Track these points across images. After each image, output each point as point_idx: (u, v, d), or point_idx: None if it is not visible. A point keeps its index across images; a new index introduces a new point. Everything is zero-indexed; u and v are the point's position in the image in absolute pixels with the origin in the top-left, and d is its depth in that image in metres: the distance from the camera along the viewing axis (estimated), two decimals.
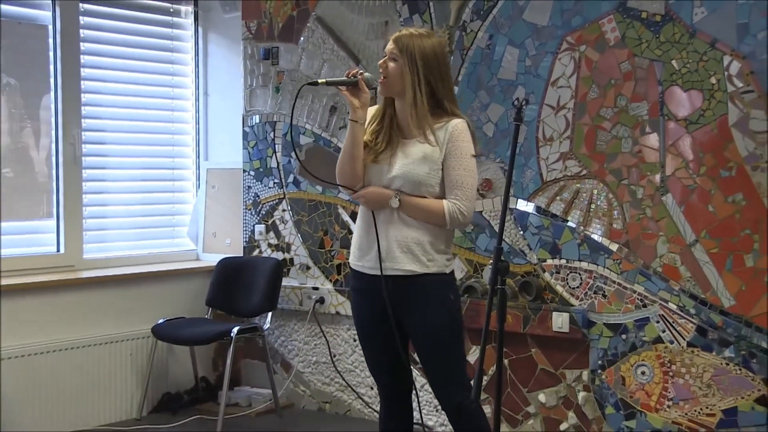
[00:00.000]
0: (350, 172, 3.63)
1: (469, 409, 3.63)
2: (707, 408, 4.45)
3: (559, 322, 4.83)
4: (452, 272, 3.70)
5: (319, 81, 3.67)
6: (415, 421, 3.88)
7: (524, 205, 4.95)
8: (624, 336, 4.68)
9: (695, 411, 4.49)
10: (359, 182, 3.64)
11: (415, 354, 3.78)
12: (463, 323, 3.75)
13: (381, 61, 3.61)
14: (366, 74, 3.59)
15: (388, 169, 3.60)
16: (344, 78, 3.61)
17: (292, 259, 5.91)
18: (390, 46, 3.59)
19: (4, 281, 5.13)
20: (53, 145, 5.56)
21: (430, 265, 3.57)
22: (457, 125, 3.57)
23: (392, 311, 3.58)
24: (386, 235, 3.58)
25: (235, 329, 5.41)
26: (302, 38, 5.80)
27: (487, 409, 5.06)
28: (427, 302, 3.58)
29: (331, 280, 5.73)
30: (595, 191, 4.75)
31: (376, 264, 3.58)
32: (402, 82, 3.55)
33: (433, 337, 3.60)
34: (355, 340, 5.60)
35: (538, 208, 4.92)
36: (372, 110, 3.73)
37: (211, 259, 6.12)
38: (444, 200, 3.57)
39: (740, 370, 4.36)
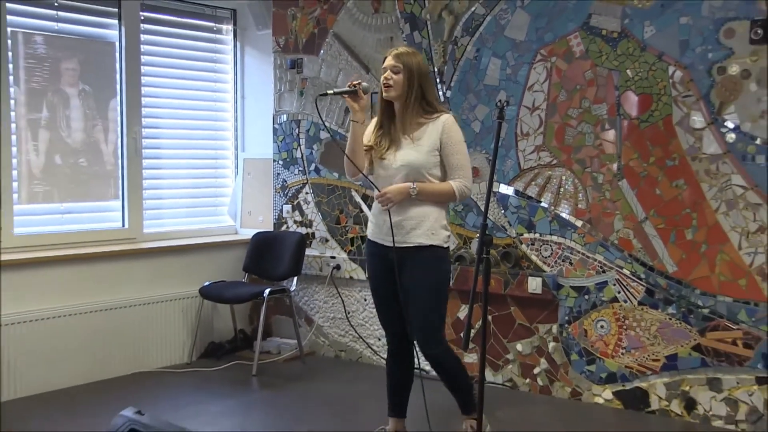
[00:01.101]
0: (357, 162, 3.74)
1: (446, 358, 3.77)
2: (653, 354, 4.49)
3: (534, 285, 4.86)
4: (448, 248, 3.77)
5: (328, 92, 3.77)
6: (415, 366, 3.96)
7: (505, 189, 4.96)
8: (587, 296, 4.71)
9: (644, 357, 4.52)
10: (361, 171, 3.74)
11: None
12: (447, 291, 3.82)
13: (386, 73, 3.66)
14: (363, 84, 3.69)
15: (393, 161, 3.68)
16: (346, 88, 3.71)
17: (313, 233, 5.93)
18: (392, 62, 3.66)
19: (81, 251, 5.18)
20: (119, 140, 5.55)
21: (433, 238, 3.66)
22: (448, 119, 3.69)
23: (398, 272, 3.66)
24: (402, 214, 3.66)
25: (267, 290, 5.43)
26: (322, 51, 5.80)
27: (474, 357, 5.10)
28: (424, 265, 3.65)
29: (345, 251, 5.75)
30: (564, 177, 4.76)
31: (389, 237, 3.67)
32: (402, 88, 3.65)
33: (424, 292, 3.65)
34: (366, 300, 5.64)
35: (516, 191, 4.93)
36: (373, 120, 3.86)
37: (247, 233, 6.12)
38: (450, 181, 3.67)
39: (680, 323, 4.40)
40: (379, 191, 3.66)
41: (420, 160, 3.65)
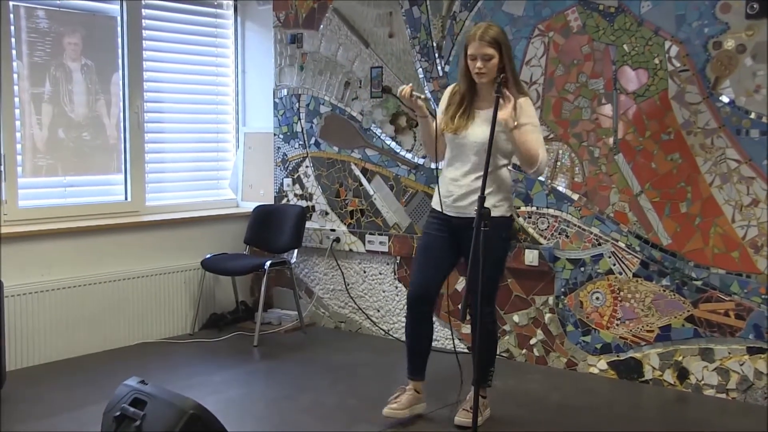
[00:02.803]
0: (431, 148, 3.89)
1: (492, 324, 3.90)
2: (647, 326, 4.52)
3: (531, 257, 4.88)
4: (511, 216, 3.83)
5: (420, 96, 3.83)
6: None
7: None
8: (582, 268, 4.73)
9: (638, 328, 4.55)
10: (442, 153, 3.86)
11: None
12: (506, 259, 3.91)
13: (479, 63, 3.64)
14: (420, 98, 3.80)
15: (466, 137, 3.74)
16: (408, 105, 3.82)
17: (313, 206, 5.93)
18: (482, 49, 3.63)
19: (84, 223, 5.20)
20: (121, 114, 5.55)
21: (495, 211, 3.67)
22: (525, 101, 3.69)
23: (459, 239, 3.76)
24: (466, 188, 3.72)
25: (268, 263, 5.45)
26: (322, 26, 5.78)
27: (470, 328, 5.16)
28: (486, 234, 3.51)
29: (345, 224, 5.75)
30: (561, 151, 4.77)
31: (456, 211, 3.77)
32: (494, 73, 3.66)
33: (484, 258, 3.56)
34: (365, 272, 5.66)
35: (514, 165, 4.89)
36: (448, 91, 3.91)
37: (248, 206, 6.13)
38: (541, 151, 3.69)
39: (674, 295, 4.42)
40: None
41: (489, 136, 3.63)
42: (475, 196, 3.64)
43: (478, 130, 3.73)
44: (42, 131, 5.16)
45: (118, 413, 3.05)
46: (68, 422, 3.96)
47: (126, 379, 3.22)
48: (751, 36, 4.12)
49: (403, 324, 5.42)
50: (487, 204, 3.59)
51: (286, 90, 6.06)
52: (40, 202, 5.16)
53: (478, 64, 3.66)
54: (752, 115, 4.14)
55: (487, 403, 4.02)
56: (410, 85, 3.78)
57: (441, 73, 5.18)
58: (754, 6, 4.10)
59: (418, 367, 3.99)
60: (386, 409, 3.91)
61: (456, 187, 3.80)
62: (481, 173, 3.61)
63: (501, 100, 3.53)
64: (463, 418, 3.87)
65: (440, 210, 3.88)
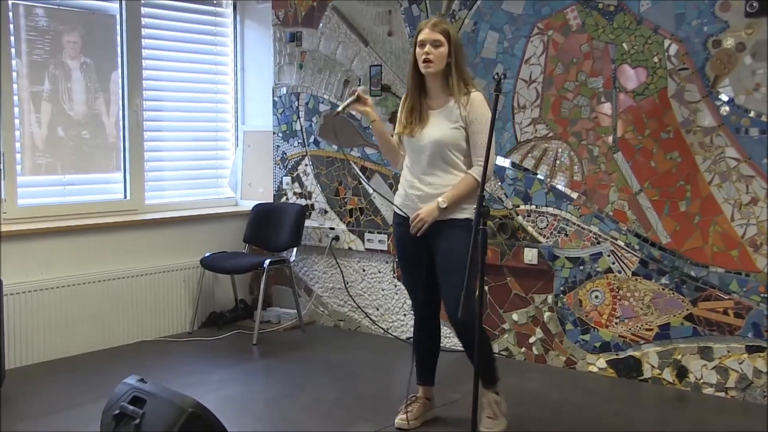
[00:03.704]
0: (392, 156, 3.87)
1: (470, 322, 3.73)
2: (646, 324, 4.52)
3: (530, 255, 4.87)
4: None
5: (338, 111, 3.79)
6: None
7: (502, 161, 4.95)
8: (581, 267, 4.72)
9: (637, 326, 4.55)
10: (400, 157, 3.81)
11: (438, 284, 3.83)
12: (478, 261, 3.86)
13: (427, 48, 3.58)
14: (360, 87, 3.75)
15: (420, 138, 3.66)
16: (350, 99, 3.75)
17: (313, 205, 5.94)
18: (433, 35, 3.59)
19: (83, 222, 5.20)
20: (120, 112, 5.54)
21: (464, 212, 3.64)
22: (476, 96, 3.63)
23: (426, 241, 3.68)
24: (432, 188, 3.65)
25: (267, 261, 5.45)
26: (321, 24, 5.78)
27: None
28: (454, 236, 3.60)
29: (344, 222, 5.75)
30: (560, 150, 4.76)
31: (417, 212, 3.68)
32: (443, 63, 3.61)
33: (453, 262, 3.59)
34: (364, 270, 5.67)
35: (513, 164, 4.94)
36: (401, 101, 3.84)
37: (248, 205, 6.13)
38: (470, 171, 3.62)
39: (673, 294, 4.42)
40: (413, 218, 3.67)
41: (445, 136, 3.62)
42: (434, 201, 3.63)
43: (431, 130, 3.66)
44: (41, 129, 5.16)
45: (117, 411, 3.05)
46: (67, 420, 3.96)
47: (125, 377, 3.22)
48: (751, 34, 4.12)
49: (402, 322, 5.46)
50: (454, 210, 3.63)
51: (285, 88, 6.06)
52: (39, 201, 5.16)
53: (427, 48, 3.58)
54: (751, 114, 4.14)
55: (502, 399, 3.92)
56: (361, 87, 3.79)
57: None
58: (754, 4, 4.10)
59: (426, 373, 3.96)
60: (398, 420, 3.86)
61: (414, 191, 3.71)
62: (438, 174, 3.64)
63: (498, 98, 3.50)
64: (485, 428, 3.77)
65: (401, 213, 3.79)
